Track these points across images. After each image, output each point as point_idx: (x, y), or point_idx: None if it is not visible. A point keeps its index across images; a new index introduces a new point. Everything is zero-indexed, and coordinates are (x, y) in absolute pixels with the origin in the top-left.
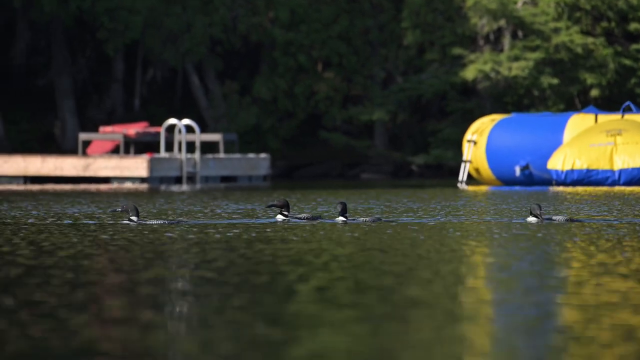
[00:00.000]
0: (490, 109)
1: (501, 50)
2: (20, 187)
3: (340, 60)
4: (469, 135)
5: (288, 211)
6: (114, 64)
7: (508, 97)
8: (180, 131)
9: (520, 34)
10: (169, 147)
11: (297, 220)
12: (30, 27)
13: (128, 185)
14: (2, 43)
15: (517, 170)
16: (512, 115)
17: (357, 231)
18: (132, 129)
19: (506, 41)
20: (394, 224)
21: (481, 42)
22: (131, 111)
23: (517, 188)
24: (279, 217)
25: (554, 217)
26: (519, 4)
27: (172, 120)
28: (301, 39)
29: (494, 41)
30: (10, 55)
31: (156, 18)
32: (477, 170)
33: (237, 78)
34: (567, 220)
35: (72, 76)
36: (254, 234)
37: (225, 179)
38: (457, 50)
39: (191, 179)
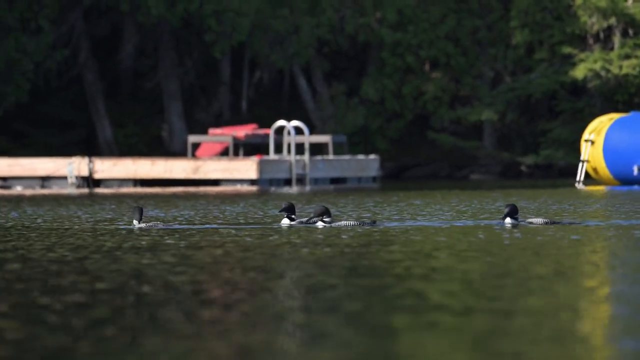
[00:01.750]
0: (601, 108)
1: (611, 49)
2: (131, 190)
3: (448, 60)
4: (586, 134)
5: (294, 214)
6: (221, 67)
7: (619, 96)
8: (289, 133)
9: (630, 32)
10: (278, 149)
11: (303, 224)
12: (138, 30)
13: (238, 187)
14: (110, 47)
15: (635, 170)
16: (631, 114)
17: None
18: (241, 131)
19: (616, 39)
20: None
21: (591, 40)
22: (238, 114)
23: (636, 187)
24: (285, 222)
25: (532, 220)
26: (630, 2)
27: (281, 122)
28: (409, 39)
29: (604, 39)
30: (118, 59)
31: (263, 20)
32: (595, 169)
33: (345, 79)
34: (545, 222)
35: (179, 79)
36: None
37: (334, 180)
38: (566, 49)
39: (300, 180)
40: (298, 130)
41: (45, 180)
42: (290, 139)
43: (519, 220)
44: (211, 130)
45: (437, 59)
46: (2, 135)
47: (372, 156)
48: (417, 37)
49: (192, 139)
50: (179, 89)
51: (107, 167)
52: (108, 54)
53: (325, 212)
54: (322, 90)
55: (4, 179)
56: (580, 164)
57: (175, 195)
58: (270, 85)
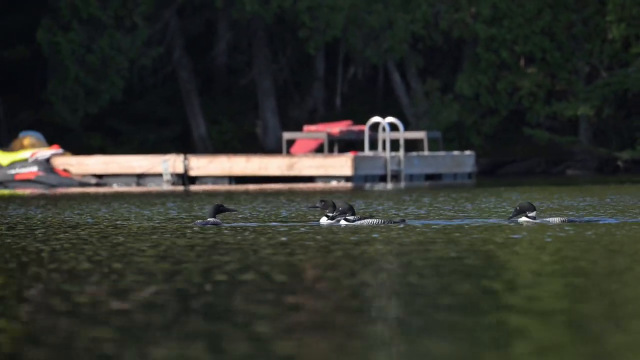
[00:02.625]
0: None
1: None
2: (226, 187)
3: (544, 55)
4: None
5: (333, 212)
6: (315, 63)
7: None
8: (384, 129)
9: None
10: (373, 146)
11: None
12: (232, 27)
13: (333, 184)
14: (204, 43)
15: None
16: None
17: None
18: (336, 128)
19: None
20: None
21: None
22: (332, 110)
23: None
24: (324, 220)
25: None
26: None
27: (376, 118)
28: (504, 35)
29: None
30: (211, 56)
31: (357, 15)
32: None
33: (439, 75)
34: (562, 221)
35: (273, 75)
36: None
37: (429, 176)
38: None
39: (395, 177)
40: (393, 127)
41: (140, 177)
42: (385, 135)
43: (535, 219)
44: (306, 127)
45: (533, 54)
46: (97, 133)
47: (467, 152)
48: (512, 32)
49: (287, 135)
50: (272, 86)
51: (203, 164)
52: (202, 51)
53: (349, 210)
54: (416, 86)
55: (100, 176)
56: None
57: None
58: (364, 81)
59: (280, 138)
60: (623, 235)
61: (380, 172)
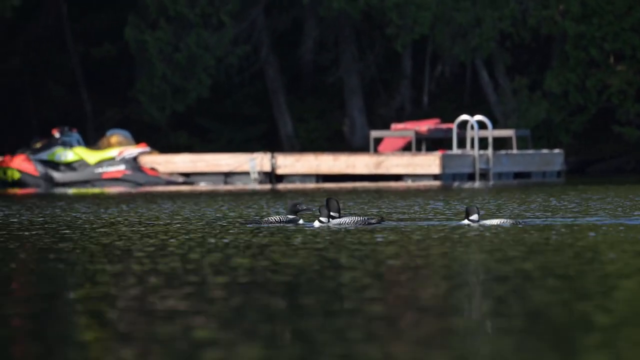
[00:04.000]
0: None
1: None
2: (314, 186)
3: (634, 52)
4: None
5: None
6: (403, 60)
7: None
8: (472, 127)
9: None
10: (461, 144)
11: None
12: (319, 24)
13: (422, 182)
14: (290, 41)
15: None
16: None
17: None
18: (424, 126)
19: None
20: None
21: None
22: (419, 108)
23: None
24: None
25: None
26: None
27: (464, 117)
28: (593, 32)
29: None
30: (298, 54)
31: (445, 13)
32: None
33: (527, 73)
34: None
35: (360, 73)
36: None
37: (518, 175)
38: None
39: (484, 175)
40: (481, 125)
41: (228, 176)
42: (474, 133)
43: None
44: (393, 125)
45: (622, 52)
46: (185, 131)
47: (556, 150)
48: (601, 29)
49: (374, 133)
50: (360, 84)
51: (290, 163)
52: (289, 49)
53: (333, 209)
54: (504, 84)
55: (187, 175)
56: None
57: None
58: (451, 79)
59: (367, 136)
60: None
61: (468, 170)
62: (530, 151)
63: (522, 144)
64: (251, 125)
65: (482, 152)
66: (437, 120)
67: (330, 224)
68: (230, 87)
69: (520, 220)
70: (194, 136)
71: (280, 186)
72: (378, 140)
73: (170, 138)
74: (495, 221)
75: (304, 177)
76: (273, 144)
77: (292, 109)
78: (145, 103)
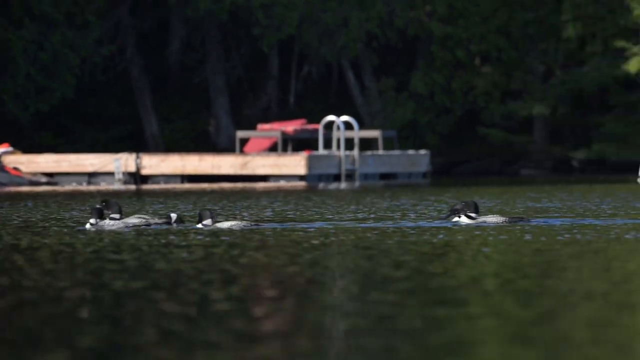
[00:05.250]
0: None
1: None
2: (179, 186)
3: (499, 54)
4: None
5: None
6: (269, 61)
7: None
8: (338, 128)
9: None
10: (327, 144)
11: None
12: (185, 24)
13: (285, 183)
14: (156, 41)
15: None
16: None
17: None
18: (290, 126)
19: None
20: None
21: None
22: (286, 108)
23: None
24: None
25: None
26: None
27: (330, 117)
28: (459, 33)
29: None
30: (164, 54)
31: (312, 13)
32: None
33: (394, 73)
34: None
35: (226, 73)
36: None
37: (384, 176)
38: (619, 43)
39: (350, 176)
40: (347, 125)
41: (92, 176)
42: (340, 134)
43: (475, 218)
44: (260, 126)
45: (488, 53)
46: (49, 131)
47: (422, 151)
48: (467, 31)
49: (240, 134)
50: (226, 84)
51: (155, 163)
52: (155, 48)
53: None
54: (370, 85)
55: (51, 175)
56: None
57: (220, 192)
58: (318, 80)
59: (233, 137)
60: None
61: (334, 171)
62: (397, 152)
63: (389, 145)
64: (116, 125)
65: (348, 152)
66: (303, 121)
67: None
68: (95, 86)
69: (253, 224)
70: (58, 136)
71: (146, 187)
72: (244, 141)
73: (34, 138)
74: (227, 224)
75: (170, 177)
76: (138, 144)
77: (158, 109)
78: (8, 102)
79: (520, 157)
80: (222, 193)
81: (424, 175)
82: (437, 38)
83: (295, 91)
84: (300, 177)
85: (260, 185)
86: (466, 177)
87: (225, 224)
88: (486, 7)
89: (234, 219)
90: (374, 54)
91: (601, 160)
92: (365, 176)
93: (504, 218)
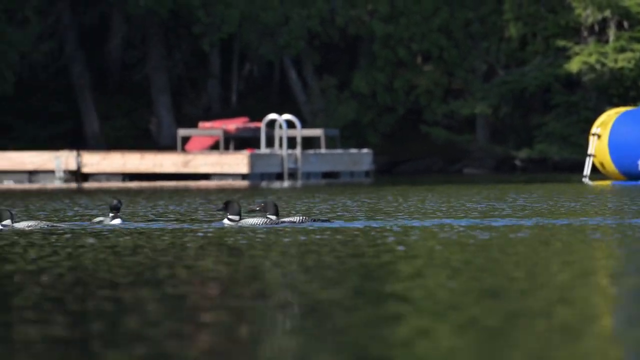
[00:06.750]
0: (596, 102)
1: (606, 42)
2: (120, 185)
3: (441, 53)
4: (594, 128)
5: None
6: (210, 59)
7: (613, 90)
8: (280, 126)
9: (626, 24)
10: (269, 143)
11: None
12: (126, 21)
13: (229, 182)
14: (97, 38)
15: None
16: (639, 107)
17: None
18: (232, 125)
19: (611, 32)
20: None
21: (585, 33)
22: (228, 107)
23: None
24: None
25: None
26: None
27: (272, 116)
28: (401, 32)
29: (599, 32)
30: (105, 51)
31: (253, 12)
32: (602, 164)
33: (335, 72)
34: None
35: (167, 71)
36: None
37: (326, 174)
38: (560, 42)
39: (292, 175)
40: (290, 124)
41: (32, 174)
42: (282, 133)
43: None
44: (201, 124)
45: (430, 52)
46: None
47: (365, 150)
48: (409, 29)
49: (182, 132)
50: (167, 82)
51: (96, 161)
52: (95, 45)
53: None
54: (312, 83)
55: None
56: (587, 158)
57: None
58: (260, 78)
59: (175, 135)
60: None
61: (277, 169)
62: (339, 151)
63: (331, 143)
64: (57, 122)
65: (290, 151)
66: (245, 119)
67: (240, 223)
68: (35, 83)
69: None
70: None
71: (87, 185)
72: (186, 139)
73: None
74: (24, 224)
75: (111, 175)
76: (79, 142)
77: (99, 107)
78: None
79: (462, 156)
80: (163, 192)
81: (367, 174)
82: (378, 37)
83: (237, 89)
84: (243, 176)
85: (202, 183)
86: (409, 175)
87: (22, 224)
88: (427, 6)
89: (33, 219)
90: (315, 53)
91: (543, 159)
92: (308, 175)
93: (300, 217)
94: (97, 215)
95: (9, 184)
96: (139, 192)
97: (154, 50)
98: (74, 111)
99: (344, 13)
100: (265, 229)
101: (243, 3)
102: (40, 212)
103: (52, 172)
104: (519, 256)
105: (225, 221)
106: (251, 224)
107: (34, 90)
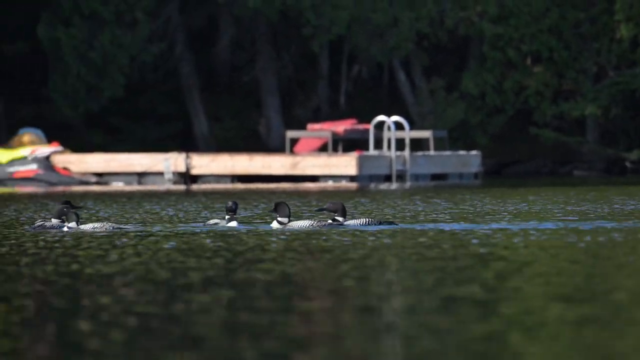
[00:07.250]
0: None
1: None
2: (229, 186)
3: (551, 54)
4: None
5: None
6: (319, 61)
7: None
8: (389, 128)
9: None
10: (378, 145)
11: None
12: (235, 22)
13: (338, 183)
14: (206, 39)
15: None
16: None
17: None
18: (341, 127)
19: None
20: None
21: None
22: (336, 108)
23: None
24: (275, 224)
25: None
26: None
27: (381, 117)
28: (510, 33)
29: None
30: (214, 52)
31: (362, 13)
32: None
33: (444, 74)
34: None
35: (276, 73)
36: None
37: (435, 176)
38: None
39: (401, 177)
40: (398, 126)
41: (141, 176)
42: (391, 134)
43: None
44: (310, 126)
45: (539, 53)
46: (98, 130)
47: (473, 152)
48: (518, 30)
49: (291, 134)
50: (276, 83)
51: (205, 163)
52: (204, 47)
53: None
54: (421, 85)
55: (100, 175)
56: None
57: (268, 192)
58: (369, 80)
59: (283, 136)
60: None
61: (385, 171)
62: (448, 153)
63: (440, 145)
64: (166, 124)
65: (399, 153)
66: (353, 121)
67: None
68: (145, 85)
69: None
70: (108, 135)
71: (195, 187)
72: (294, 141)
73: (84, 137)
74: (90, 225)
75: (219, 177)
76: (188, 143)
77: (208, 108)
78: (58, 102)
79: (572, 157)
80: (273, 193)
81: (475, 175)
82: (488, 38)
83: (346, 91)
84: (351, 178)
85: (311, 185)
86: (517, 177)
87: (88, 226)
88: (537, 6)
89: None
90: (424, 54)
91: None
92: (416, 177)
93: (365, 219)
94: (211, 218)
95: (118, 185)
96: (248, 193)
97: (263, 51)
98: (183, 113)
99: (453, 15)
100: (324, 230)
101: (352, 5)
102: (152, 215)
103: (161, 174)
104: None
105: (274, 224)
106: (299, 227)
107: (143, 92)
